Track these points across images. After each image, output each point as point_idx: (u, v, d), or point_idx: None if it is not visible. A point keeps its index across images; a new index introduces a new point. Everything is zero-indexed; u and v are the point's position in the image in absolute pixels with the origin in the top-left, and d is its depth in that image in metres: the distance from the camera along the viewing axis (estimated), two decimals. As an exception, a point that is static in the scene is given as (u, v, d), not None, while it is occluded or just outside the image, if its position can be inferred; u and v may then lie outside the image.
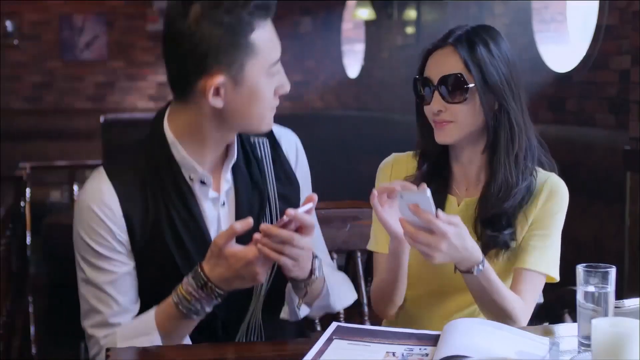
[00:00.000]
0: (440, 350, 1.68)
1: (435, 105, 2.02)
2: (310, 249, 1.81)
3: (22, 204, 6.76)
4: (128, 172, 1.88)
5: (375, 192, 1.88)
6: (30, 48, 9.69)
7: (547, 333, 1.91)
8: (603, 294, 1.71)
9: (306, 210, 1.79)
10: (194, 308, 1.79)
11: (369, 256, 2.17)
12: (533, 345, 1.77)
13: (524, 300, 2.02)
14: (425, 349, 1.76)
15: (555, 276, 2.07)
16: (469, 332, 1.76)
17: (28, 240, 7.02)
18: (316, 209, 1.85)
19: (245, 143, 1.98)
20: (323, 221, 2.28)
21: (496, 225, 2.04)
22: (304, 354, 1.70)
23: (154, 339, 1.82)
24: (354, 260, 2.64)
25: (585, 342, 1.72)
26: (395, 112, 6.96)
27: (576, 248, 4.31)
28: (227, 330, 1.96)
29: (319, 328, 2.40)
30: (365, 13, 8.24)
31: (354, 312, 2.59)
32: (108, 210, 1.83)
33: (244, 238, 1.76)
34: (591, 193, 4.35)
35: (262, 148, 2.01)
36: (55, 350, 5.16)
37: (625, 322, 1.59)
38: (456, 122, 2.02)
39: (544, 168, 2.16)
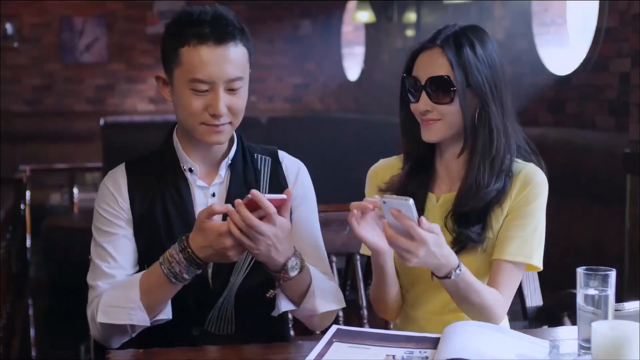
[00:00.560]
0: (440, 353, 1.68)
1: (423, 105, 2.06)
2: (270, 238, 1.91)
3: (22, 206, 6.77)
4: (143, 160, 2.23)
5: (353, 211, 1.93)
6: (30, 50, 9.69)
7: (547, 336, 1.91)
8: (603, 297, 1.72)
9: (274, 198, 1.90)
10: (173, 270, 1.97)
11: (368, 259, 2.18)
12: (533, 348, 1.77)
13: (502, 293, 2.04)
14: (425, 352, 1.76)
15: (537, 264, 2.08)
16: (468, 335, 1.76)
17: (28, 242, 7.03)
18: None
19: (247, 153, 2.22)
20: (322, 224, 2.29)
21: (465, 221, 2.07)
22: (304, 357, 1.70)
23: (134, 294, 2.02)
24: (353, 263, 2.65)
25: (585, 345, 1.72)
26: (395, 115, 6.95)
27: (576, 250, 4.31)
28: (201, 308, 2.12)
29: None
30: (365, 16, 8.25)
31: (353, 315, 2.59)
32: (116, 184, 2.17)
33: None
34: (591, 195, 4.35)
35: (262, 162, 2.24)
36: (55, 352, 5.16)
37: (625, 325, 1.59)
38: (443, 121, 2.06)
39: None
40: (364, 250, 2.20)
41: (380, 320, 2.31)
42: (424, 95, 2.06)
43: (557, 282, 2.51)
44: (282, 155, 2.28)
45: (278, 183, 2.21)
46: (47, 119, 9.42)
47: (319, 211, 2.29)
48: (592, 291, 1.72)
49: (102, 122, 6.21)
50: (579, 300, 1.73)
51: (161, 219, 2.13)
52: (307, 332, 2.37)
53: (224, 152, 2.19)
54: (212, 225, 1.92)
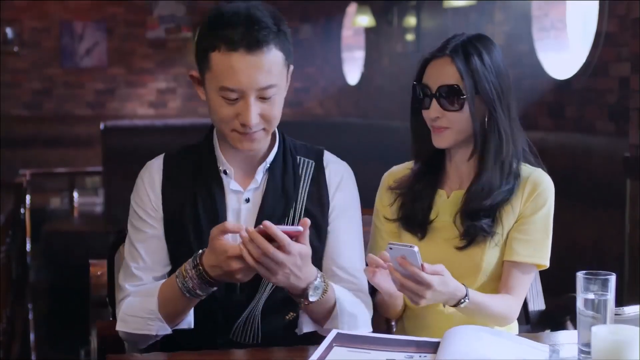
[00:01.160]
0: (441, 357, 1.68)
1: (433, 113, 2.14)
2: (287, 267, 1.84)
3: (22, 210, 6.77)
4: (182, 153, 2.15)
5: (366, 265, 1.99)
6: (30, 55, 9.69)
7: (548, 340, 1.91)
8: (603, 301, 1.71)
9: (290, 230, 1.84)
10: (186, 285, 1.93)
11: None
12: (533, 353, 1.77)
13: (514, 294, 2.14)
14: (425, 356, 1.76)
15: (545, 263, 2.17)
16: (469, 339, 1.76)
17: (28, 246, 7.03)
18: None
19: (289, 156, 2.12)
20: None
21: (475, 216, 2.14)
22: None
23: (152, 305, 1.99)
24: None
25: (585, 350, 1.72)
26: (395, 119, 6.96)
27: (576, 254, 4.31)
28: (227, 319, 2.06)
29: None
30: (365, 20, 8.25)
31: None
32: (151, 179, 2.12)
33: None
34: (591, 199, 4.35)
35: (305, 167, 2.14)
36: (54, 357, 5.15)
37: (625, 330, 1.59)
38: (452, 128, 2.14)
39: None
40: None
41: (382, 322, 2.31)
42: (434, 102, 2.13)
43: (558, 286, 2.51)
44: (328, 158, 2.18)
45: (318, 191, 2.12)
46: (47, 124, 9.42)
47: None
48: (591, 295, 1.72)
49: (102, 126, 6.21)
50: (579, 304, 1.73)
51: (191, 221, 2.06)
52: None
53: (263, 154, 2.09)
54: (222, 245, 1.86)
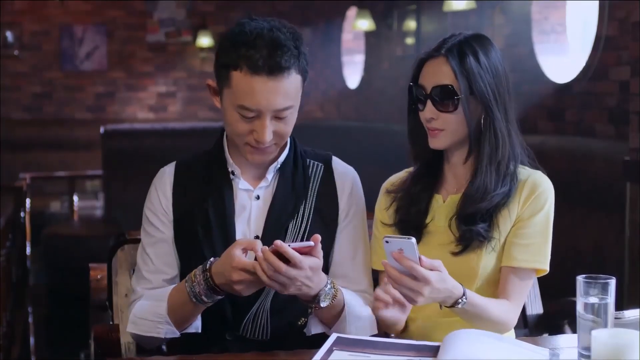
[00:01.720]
0: (440, 362, 1.68)
1: (428, 114, 2.11)
2: (299, 281, 1.89)
3: (22, 214, 6.77)
4: (193, 159, 2.22)
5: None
6: (31, 58, 9.70)
7: (547, 344, 1.91)
8: (603, 305, 1.71)
9: (301, 246, 1.88)
10: (194, 290, 1.98)
11: (375, 273, 2.21)
12: (532, 356, 1.77)
13: (511, 300, 2.09)
14: (425, 360, 1.76)
15: (544, 268, 2.12)
16: (469, 343, 1.76)
17: (28, 250, 7.03)
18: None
19: (299, 159, 2.18)
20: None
21: (471, 221, 2.10)
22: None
23: (161, 309, 2.05)
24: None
25: (585, 354, 1.72)
26: (394, 123, 6.96)
27: (576, 258, 4.30)
28: (236, 314, 2.09)
29: None
30: (365, 24, 8.25)
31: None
32: (163, 184, 2.18)
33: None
34: (591, 203, 4.35)
35: (314, 169, 2.20)
36: (54, 360, 5.16)
37: (625, 334, 1.59)
38: (447, 130, 2.11)
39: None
40: (376, 266, 2.22)
41: (380, 329, 2.31)
42: (429, 103, 2.10)
43: (557, 290, 2.51)
44: (336, 163, 2.24)
45: (327, 192, 2.18)
46: (47, 127, 9.42)
47: None
48: (592, 299, 1.72)
49: (102, 130, 6.22)
50: (579, 308, 1.73)
51: (200, 219, 2.12)
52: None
53: (274, 156, 2.14)
54: (231, 255, 1.91)
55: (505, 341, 1.84)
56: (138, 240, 2.32)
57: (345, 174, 2.22)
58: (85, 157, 8.90)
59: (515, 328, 2.23)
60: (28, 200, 7.14)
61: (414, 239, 1.83)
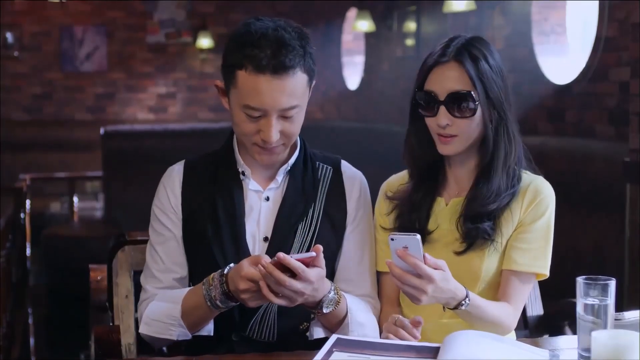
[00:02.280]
0: (440, 363, 1.68)
1: (444, 120, 2.07)
2: (304, 293, 1.90)
3: (22, 215, 6.77)
4: (202, 158, 2.23)
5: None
6: (31, 59, 9.70)
7: (548, 345, 1.91)
8: (603, 306, 1.71)
9: (303, 257, 1.88)
10: (209, 294, 1.98)
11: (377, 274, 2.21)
12: (532, 358, 1.77)
13: (512, 304, 2.09)
14: (425, 361, 1.76)
15: (545, 272, 2.12)
16: (469, 344, 1.76)
17: (28, 251, 7.03)
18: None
19: (309, 161, 2.19)
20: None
21: (477, 220, 2.10)
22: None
23: (175, 311, 2.06)
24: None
25: (585, 355, 1.72)
26: (395, 124, 6.96)
27: (576, 259, 4.30)
28: (243, 314, 2.09)
29: None
30: (365, 25, 8.25)
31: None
32: (171, 183, 2.18)
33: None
34: (591, 204, 4.35)
35: (323, 171, 2.20)
36: (54, 361, 5.16)
37: (625, 335, 1.59)
38: (460, 136, 2.09)
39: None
40: (379, 267, 2.23)
41: (380, 328, 2.31)
42: (442, 110, 2.07)
43: (557, 291, 2.51)
44: (345, 166, 2.25)
45: (336, 195, 2.19)
46: (47, 128, 9.43)
47: None
48: (591, 300, 1.72)
49: (102, 130, 6.22)
50: (579, 309, 1.73)
51: (209, 218, 2.12)
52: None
53: (284, 158, 2.15)
54: (241, 263, 1.92)
55: (505, 342, 1.84)
56: (138, 241, 2.32)
57: (353, 177, 2.23)
58: (85, 158, 8.90)
59: (516, 329, 2.23)
60: (28, 201, 7.14)
61: (418, 236, 1.83)
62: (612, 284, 1.72)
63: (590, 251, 4.28)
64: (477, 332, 1.87)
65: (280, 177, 2.15)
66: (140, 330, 2.13)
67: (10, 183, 7.03)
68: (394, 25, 7.92)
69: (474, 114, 2.06)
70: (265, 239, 2.12)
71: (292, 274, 1.86)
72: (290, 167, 2.16)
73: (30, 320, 5.99)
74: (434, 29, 7.15)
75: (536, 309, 2.46)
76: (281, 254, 1.85)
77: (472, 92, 2.05)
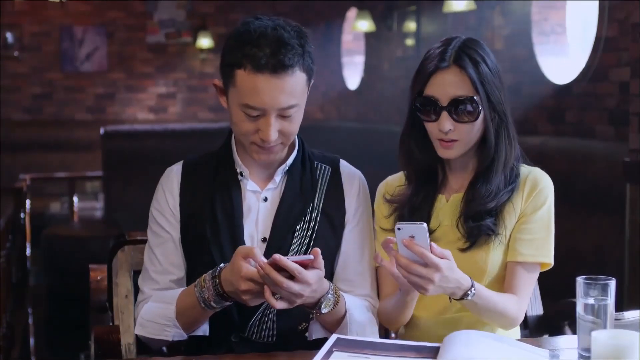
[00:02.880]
0: (440, 363, 1.68)
1: (446, 125, 2.06)
2: (303, 295, 1.89)
3: (22, 215, 6.77)
4: (201, 159, 2.22)
5: (376, 253, 2.00)
6: (31, 59, 9.70)
7: (547, 345, 1.91)
8: (603, 306, 1.71)
9: (301, 260, 1.87)
10: (202, 295, 1.98)
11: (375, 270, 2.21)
12: (532, 357, 1.77)
13: (518, 295, 2.09)
14: (425, 361, 1.76)
15: (549, 261, 2.13)
16: (469, 344, 1.76)
17: (28, 251, 7.03)
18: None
19: (307, 161, 2.18)
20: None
21: (478, 217, 2.10)
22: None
23: (170, 312, 2.06)
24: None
25: (585, 355, 1.72)
26: (395, 124, 6.96)
27: (576, 259, 4.30)
28: (242, 315, 2.09)
29: None
30: (365, 25, 8.25)
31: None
32: (170, 184, 2.18)
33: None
34: (591, 204, 4.35)
35: (322, 171, 2.20)
36: (54, 361, 5.16)
37: (625, 335, 1.59)
38: (461, 140, 2.09)
39: None
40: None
41: (381, 327, 2.31)
42: (445, 115, 2.06)
43: (557, 291, 2.51)
44: (343, 166, 2.25)
45: (335, 194, 2.18)
46: (47, 128, 9.43)
47: None
48: (591, 300, 1.72)
49: (102, 131, 6.23)
50: (579, 309, 1.73)
51: (208, 218, 2.12)
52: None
53: (282, 158, 2.15)
54: (239, 264, 1.91)
55: (505, 342, 1.84)
56: (138, 242, 2.32)
57: (352, 176, 2.22)
58: (85, 158, 8.91)
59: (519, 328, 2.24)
60: (28, 201, 7.14)
61: (425, 225, 1.83)
62: (612, 284, 1.72)
63: (590, 251, 4.28)
64: (477, 332, 1.87)
65: (279, 177, 2.15)
66: (135, 332, 2.14)
67: (10, 183, 7.03)
68: (394, 25, 7.92)
69: (476, 118, 2.06)
70: (264, 239, 2.11)
71: (290, 275, 1.86)
72: (289, 167, 2.16)
73: (30, 321, 6.00)
74: (434, 29, 7.15)
75: (536, 309, 2.46)
76: (277, 256, 1.85)
77: (475, 97, 2.05)
